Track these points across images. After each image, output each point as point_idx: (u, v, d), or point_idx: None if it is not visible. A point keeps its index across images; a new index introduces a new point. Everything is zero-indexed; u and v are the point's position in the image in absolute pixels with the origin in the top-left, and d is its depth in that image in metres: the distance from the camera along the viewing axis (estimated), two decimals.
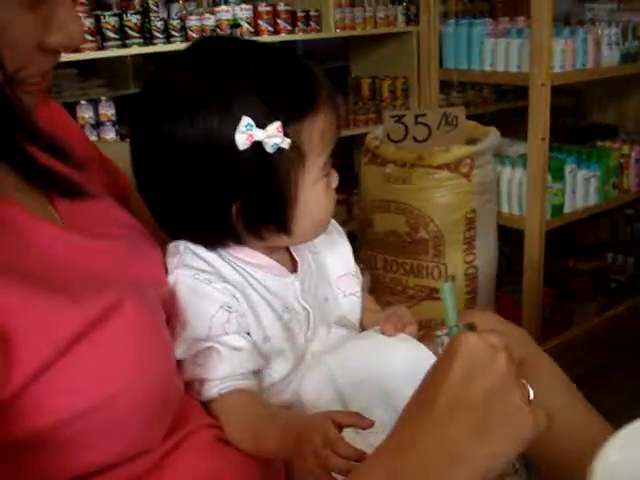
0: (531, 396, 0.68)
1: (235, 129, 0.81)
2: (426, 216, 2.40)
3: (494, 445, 0.63)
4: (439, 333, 0.81)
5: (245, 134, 0.81)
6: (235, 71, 0.85)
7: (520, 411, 0.65)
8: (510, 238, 2.73)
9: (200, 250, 0.90)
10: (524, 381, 0.68)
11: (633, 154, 2.83)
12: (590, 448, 0.65)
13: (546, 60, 2.37)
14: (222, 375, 0.86)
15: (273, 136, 0.82)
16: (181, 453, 0.79)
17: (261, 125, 0.82)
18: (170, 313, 0.86)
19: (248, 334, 0.89)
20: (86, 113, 3.07)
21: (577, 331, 2.77)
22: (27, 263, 0.70)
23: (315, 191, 0.90)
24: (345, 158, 3.71)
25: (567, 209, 2.65)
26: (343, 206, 3.51)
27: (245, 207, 0.86)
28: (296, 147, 0.85)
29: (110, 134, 3.09)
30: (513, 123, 2.86)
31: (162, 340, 0.80)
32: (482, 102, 3.92)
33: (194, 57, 0.89)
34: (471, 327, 0.79)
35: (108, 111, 3.10)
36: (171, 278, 0.88)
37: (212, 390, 0.86)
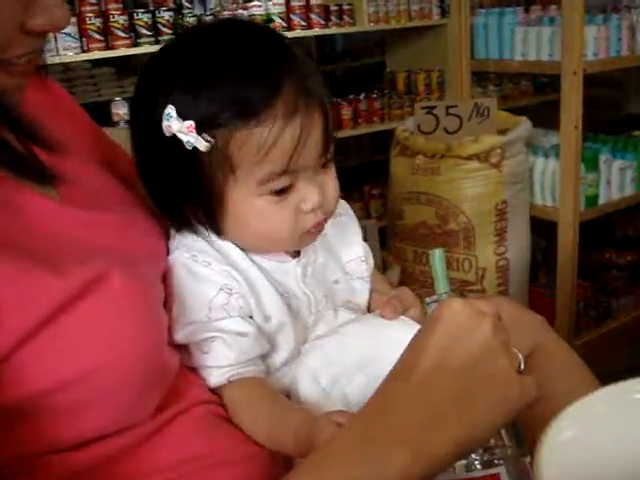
0: (522, 366, 0.67)
1: (162, 115, 0.80)
2: (456, 207, 2.38)
3: (477, 412, 0.62)
4: (428, 300, 0.80)
5: (166, 122, 0.79)
6: (194, 56, 0.82)
7: (506, 379, 0.64)
8: (544, 231, 2.69)
9: (194, 239, 0.89)
10: (515, 350, 0.67)
11: None
12: None
13: (578, 48, 2.33)
14: (228, 362, 0.84)
15: (185, 133, 0.79)
16: (174, 428, 0.78)
17: (182, 117, 0.79)
18: (167, 293, 0.85)
19: (250, 317, 0.87)
20: (120, 110, 3.10)
21: (613, 325, 2.72)
22: (14, 234, 0.70)
23: (254, 206, 0.83)
24: (381, 153, 3.69)
25: (602, 200, 2.59)
26: (379, 200, 3.50)
27: (173, 194, 0.85)
28: (222, 152, 0.80)
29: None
30: (551, 115, 2.82)
31: (154, 313, 0.79)
32: (519, 95, 3.86)
33: (184, 39, 0.87)
34: (462, 294, 0.77)
35: (121, 110, 3.12)
36: (170, 259, 0.87)
37: (219, 378, 0.84)
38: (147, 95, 0.83)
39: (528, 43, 2.57)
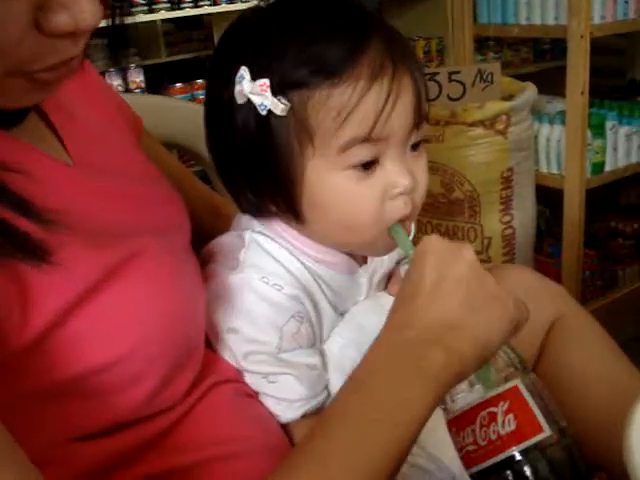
0: None
1: (235, 80, 0.74)
2: (461, 175, 2.33)
3: (485, 317, 0.65)
4: (400, 265, 0.81)
5: (239, 86, 0.73)
6: (270, 17, 0.76)
7: (499, 292, 0.67)
8: (548, 199, 2.64)
9: (266, 242, 0.82)
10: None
11: None
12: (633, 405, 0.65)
13: (585, 10, 2.27)
14: (299, 397, 0.80)
15: (258, 94, 0.72)
16: (202, 408, 0.75)
17: (254, 78, 0.72)
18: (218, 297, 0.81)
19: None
20: (115, 80, 3.05)
21: (619, 294, 2.68)
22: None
23: (335, 182, 0.75)
24: None
25: (608, 167, 2.54)
26: None
27: (246, 173, 0.78)
28: (298, 117, 0.72)
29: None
30: (552, 82, 2.76)
31: (187, 289, 0.75)
32: (520, 62, 3.80)
33: (259, 8, 0.80)
34: None
35: (137, 78, 3.07)
36: (235, 278, 0.80)
37: (292, 413, 0.80)
38: (220, 66, 0.78)
39: (533, 7, 2.50)
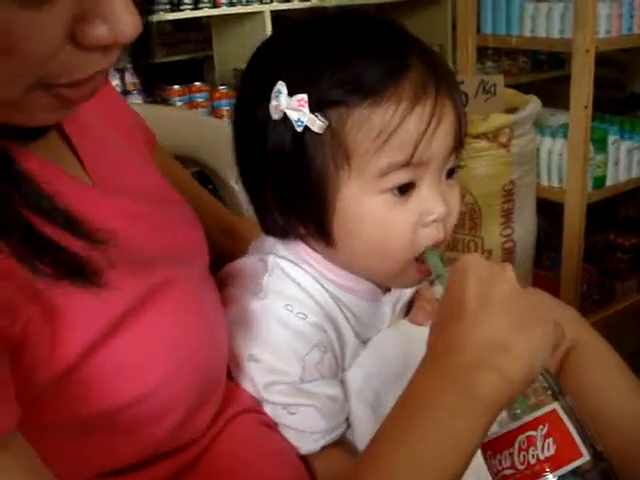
0: None
1: (271, 95, 0.71)
2: (463, 187, 2.30)
3: (528, 339, 0.62)
4: (431, 285, 0.76)
5: (275, 101, 0.70)
6: (310, 33, 0.74)
7: (541, 313, 0.65)
8: (548, 212, 2.63)
9: (290, 267, 0.79)
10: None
11: None
12: None
13: (591, 25, 2.26)
14: (319, 429, 0.77)
15: (295, 109, 0.69)
16: (224, 440, 0.73)
17: (291, 94, 0.70)
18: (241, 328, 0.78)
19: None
20: (113, 81, 3.01)
21: (617, 308, 2.67)
22: None
23: (369, 206, 0.72)
24: None
25: (609, 182, 2.54)
26: None
27: (275, 192, 0.75)
28: (336, 136, 0.70)
29: (137, 102, 3.02)
30: (550, 93, 2.75)
31: (210, 319, 0.73)
32: (518, 72, 3.79)
33: (296, 25, 0.79)
34: None
35: (135, 79, 3.03)
36: (257, 305, 0.78)
37: (312, 445, 0.78)
38: (254, 80, 0.75)
39: (538, 19, 2.49)
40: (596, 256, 2.87)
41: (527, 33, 2.53)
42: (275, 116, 0.71)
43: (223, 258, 0.86)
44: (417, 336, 0.86)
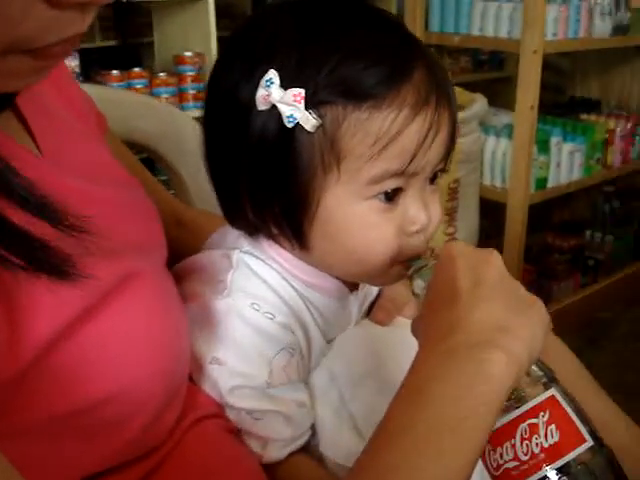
0: None
1: (259, 83, 0.65)
2: None
3: (527, 318, 0.59)
4: (410, 272, 0.71)
5: (264, 90, 0.64)
6: (307, 16, 0.67)
7: (530, 298, 0.61)
8: (488, 211, 2.64)
9: (255, 263, 0.73)
10: None
11: (618, 129, 2.76)
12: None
13: (540, 26, 2.28)
14: (285, 437, 0.73)
15: (289, 104, 0.63)
16: (186, 446, 0.68)
17: (284, 86, 0.64)
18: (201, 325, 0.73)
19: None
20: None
21: (554, 309, 2.71)
22: None
23: (355, 211, 0.67)
24: None
25: (551, 183, 2.57)
26: None
27: (251, 184, 0.69)
28: (328, 137, 0.64)
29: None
30: (491, 93, 2.77)
31: (175, 316, 0.67)
32: (459, 71, 3.81)
33: (289, 8, 0.70)
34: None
35: (72, 62, 2.92)
36: (221, 303, 0.72)
37: (277, 452, 0.73)
38: (238, 59, 0.68)
39: (486, 18, 2.50)
40: (534, 257, 2.90)
41: (475, 32, 2.54)
42: (262, 106, 0.65)
43: (171, 248, 0.80)
44: (381, 335, 0.83)
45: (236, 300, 0.71)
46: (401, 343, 0.83)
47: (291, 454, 0.73)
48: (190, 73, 3.02)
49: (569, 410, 0.60)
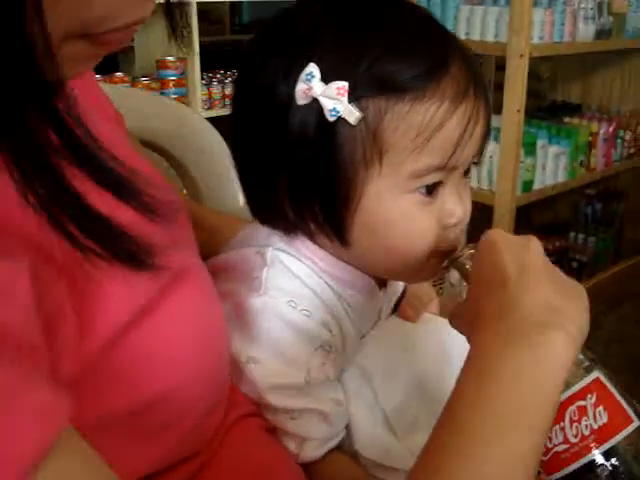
0: None
1: (298, 77, 0.64)
2: None
3: (574, 301, 0.59)
4: (446, 264, 0.71)
5: (304, 84, 0.63)
6: (347, 14, 0.67)
7: (573, 282, 0.61)
8: (476, 214, 2.65)
9: (289, 260, 0.72)
10: None
11: (601, 132, 2.79)
12: None
13: (526, 30, 2.30)
14: (322, 436, 0.72)
15: (332, 97, 0.62)
16: (230, 444, 0.67)
17: (325, 79, 0.63)
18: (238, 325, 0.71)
19: None
20: None
21: None
22: None
23: (397, 205, 0.67)
24: None
25: (537, 185, 2.59)
26: None
27: (291, 182, 0.68)
28: (371, 130, 0.64)
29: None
30: None
31: (218, 312, 0.66)
32: None
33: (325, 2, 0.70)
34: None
35: None
36: (257, 301, 0.70)
37: (314, 451, 0.72)
38: (270, 59, 0.67)
39: (473, 22, 2.52)
40: None
41: (462, 36, 2.55)
42: (301, 101, 0.64)
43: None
44: (411, 332, 0.84)
45: (272, 298, 0.70)
46: (430, 339, 0.84)
47: (327, 453, 0.73)
48: (172, 78, 3.00)
49: (614, 392, 0.61)
